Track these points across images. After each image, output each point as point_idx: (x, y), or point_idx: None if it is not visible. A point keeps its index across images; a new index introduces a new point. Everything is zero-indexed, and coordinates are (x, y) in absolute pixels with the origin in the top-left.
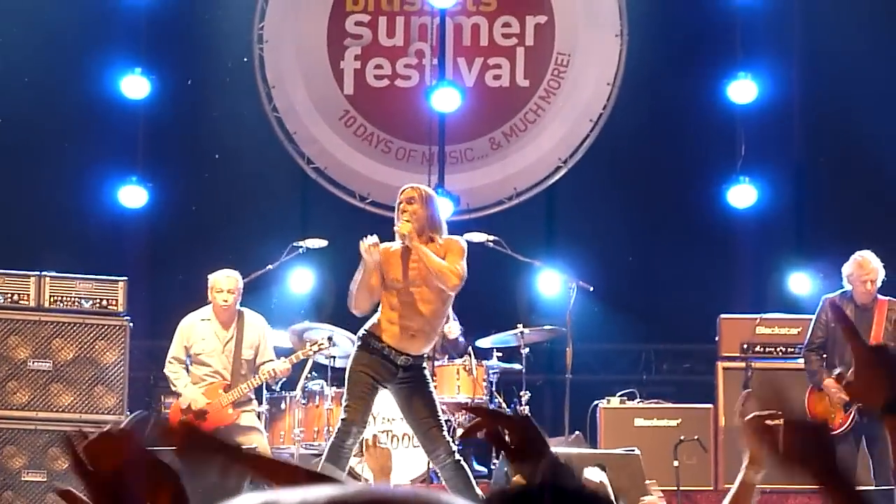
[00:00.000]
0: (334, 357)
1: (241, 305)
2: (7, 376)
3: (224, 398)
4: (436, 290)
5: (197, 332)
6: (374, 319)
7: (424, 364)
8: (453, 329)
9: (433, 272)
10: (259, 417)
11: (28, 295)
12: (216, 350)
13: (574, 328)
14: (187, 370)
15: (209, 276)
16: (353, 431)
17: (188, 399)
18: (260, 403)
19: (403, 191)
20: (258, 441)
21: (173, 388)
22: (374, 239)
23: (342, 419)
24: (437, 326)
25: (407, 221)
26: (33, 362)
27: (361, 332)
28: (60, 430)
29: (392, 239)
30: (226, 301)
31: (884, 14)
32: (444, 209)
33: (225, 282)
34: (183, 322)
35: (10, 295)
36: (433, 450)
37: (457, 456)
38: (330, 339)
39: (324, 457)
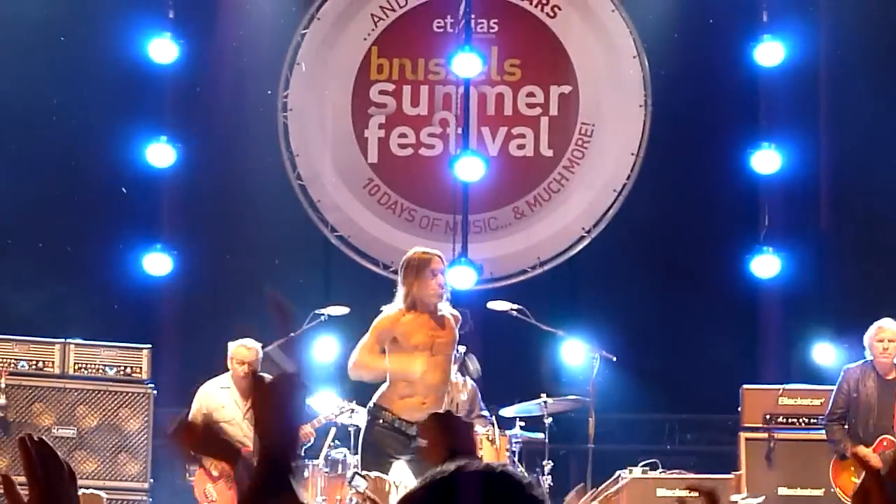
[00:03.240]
0: (358, 426)
1: (264, 371)
2: None
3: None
4: (449, 357)
5: (215, 399)
6: (382, 390)
7: None
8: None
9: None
10: None
11: (53, 362)
12: (236, 418)
13: (597, 398)
14: None
15: (229, 345)
16: None
17: (213, 463)
18: None
19: (434, 258)
20: None
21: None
22: None
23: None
24: (444, 394)
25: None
26: (57, 429)
27: (370, 405)
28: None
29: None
30: (246, 373)
31: None
32: (468, 278)
33: (245, 354)
34: (201, 389)
35: (35, 362)
36: None
37: None
38: (352, 401)
39: None
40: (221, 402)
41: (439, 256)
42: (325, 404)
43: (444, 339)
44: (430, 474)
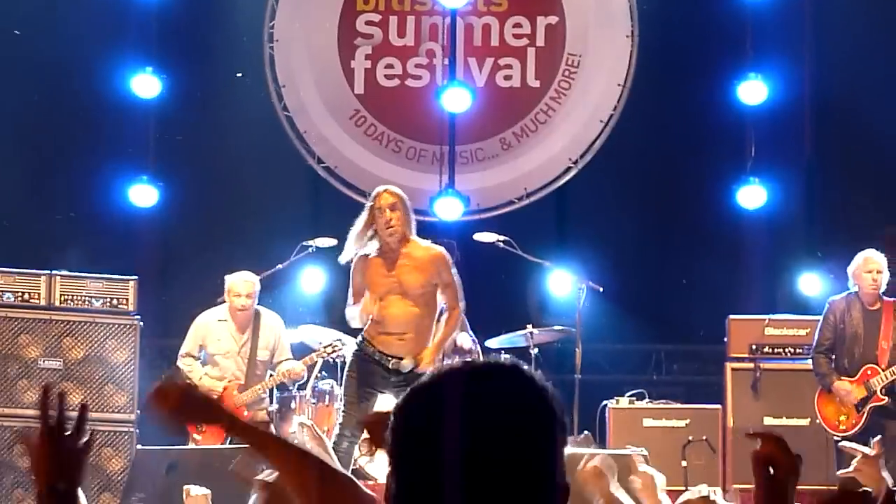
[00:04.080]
0: (345, 357)
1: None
2: (17, 375)
3: (239, 399)
4: (416, 297)
5: (213, 331)
6: (368, 324)
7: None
8: (465, 341)
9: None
10: (269, 416)
11: (39, 294)
12: (231, 352)
13: (584, 328)
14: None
15: (226, 278)
16: (346, 436)
17: (204, 388)
18: (271, 403)
19: (381, 195)
20: None
21: (188, 381)
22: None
23: (338, 423)
24: (425, 329)
25: (428, 356)
26: (44, 361)
27: (359, 337)
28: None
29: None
30: (244, 306)
31: (895, 13)
32: (455, 209)
33: (243, 286)
34: (198, 320)
35: (20, 294)
36: None
37: None
38: (340, 340)
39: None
40: (218, 334)
41: (386, 191)
42: (315, 339)
43: (410, 276)
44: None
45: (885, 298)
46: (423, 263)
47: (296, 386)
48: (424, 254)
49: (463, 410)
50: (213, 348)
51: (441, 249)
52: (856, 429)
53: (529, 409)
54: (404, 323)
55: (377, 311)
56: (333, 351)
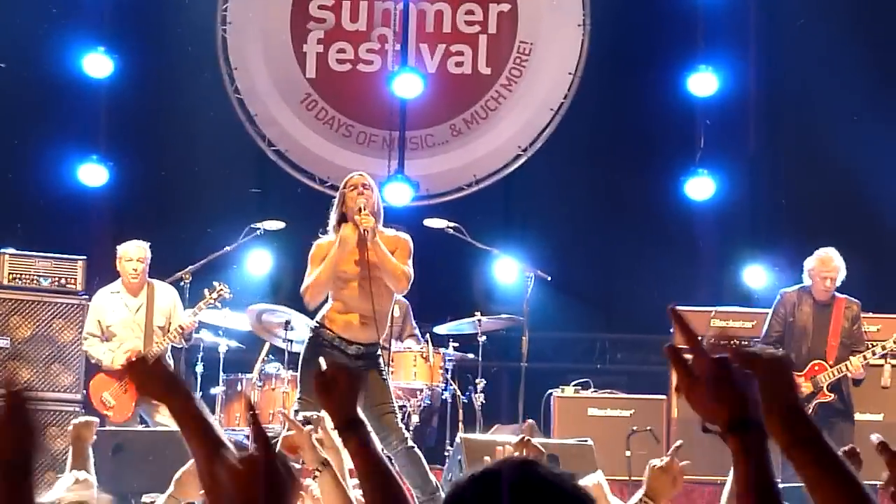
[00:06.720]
0: (291, 341)
1: (196, 285)
2: None
3: None
4: (380, 282)
5: (107, 304)
6: (324, 310)
7: (378, 352)
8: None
9: (387, 272)
10: None
11: None
12: (126, 320)
13: (530, 317)
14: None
15: (118, 248)
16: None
17: (106, 363)
18: (217, 385)
19: (352, 177)
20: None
21: (93, 362)
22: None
23: (294, 411)
24: (386, 314)
25: (367, 214)
26: None
27: (313, 323)
28: None
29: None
30: (135, 270)
31: (843, 7)
32: (403, 194)
33: (134, 251)
34: (94, 298)
35: None
36: (386, 436)
37: (409, 443)
38: (221, 282)
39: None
40: (112, 306)
41: (357, 174)
42: (261, 322)
43: (367, 261)
44: (474, 469)
45: (837, 295)
46: (387, 246)
47: (188, 344)
48: (389, 238)
49: None
50: (108, 319)
51: (406, 237)
52: None
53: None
54: (367, 307)
55: (339, 294)
56: (219, 295)
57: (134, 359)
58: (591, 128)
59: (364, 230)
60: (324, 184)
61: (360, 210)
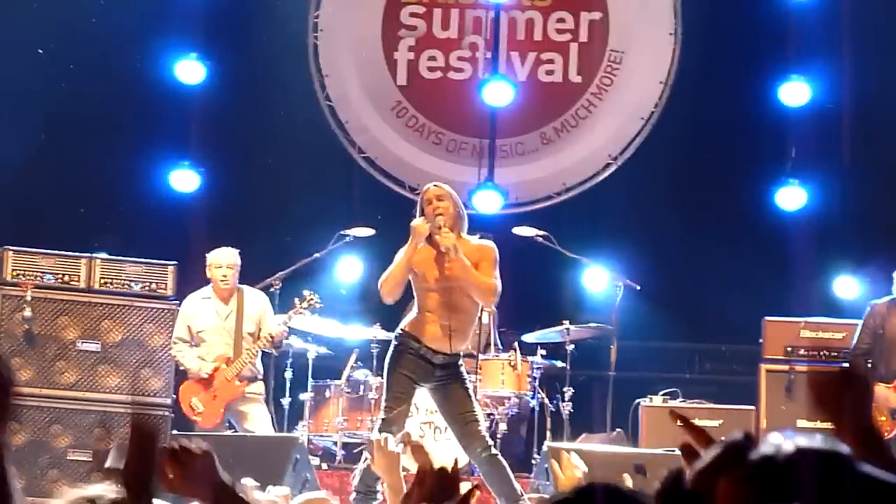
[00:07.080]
0: (380, 346)
1: (286, 292)
2: (55, 356)
3: (227, 371)
4: (463, 290)
5: (197, 310)
6: (409, 319)
7: (461, 361)
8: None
9: (472, 286)
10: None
11: (79, 276)
12: (217, 327)
13: (619, 326)
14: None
15: (208, 255)
16: (392, 431)
17: (194, 371)
18: (305, 391)
19: (428, 189)
20: (258, 411)
21: (181, 368)
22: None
23: (381, 419)
24: (471, 324)
25: (447, 231)
26: (82, 343)
27: (398, 332)
28: (106, 411)
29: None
30: (225, 276)
31: None
32: (493, 202)
33: (224, 258)
34: (184, 303)
35: (61, 276)
36: (469, 444)
37: (493, 450)
38: (312, 292)
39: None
40: (202, 312)
41: (433, 185)
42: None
43: (452, 271)
44: (556, 495)
45: None
46: (470, 256)
47: (277, 352)
48: (473, 247)
49: None
50: (198, 325)
51: (490, 243)
52: (890, 436)
53: None
54: (452, 315)
55: (424, 304)
56: (309, 305)
57: (178, 447)
58: (682, 137)
59: (445, 248)
60: (413, 191)
61: (439, 228)
